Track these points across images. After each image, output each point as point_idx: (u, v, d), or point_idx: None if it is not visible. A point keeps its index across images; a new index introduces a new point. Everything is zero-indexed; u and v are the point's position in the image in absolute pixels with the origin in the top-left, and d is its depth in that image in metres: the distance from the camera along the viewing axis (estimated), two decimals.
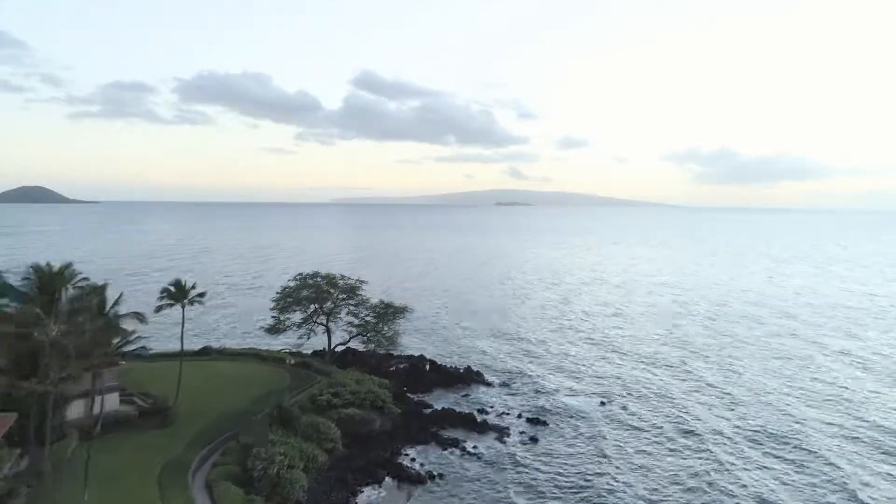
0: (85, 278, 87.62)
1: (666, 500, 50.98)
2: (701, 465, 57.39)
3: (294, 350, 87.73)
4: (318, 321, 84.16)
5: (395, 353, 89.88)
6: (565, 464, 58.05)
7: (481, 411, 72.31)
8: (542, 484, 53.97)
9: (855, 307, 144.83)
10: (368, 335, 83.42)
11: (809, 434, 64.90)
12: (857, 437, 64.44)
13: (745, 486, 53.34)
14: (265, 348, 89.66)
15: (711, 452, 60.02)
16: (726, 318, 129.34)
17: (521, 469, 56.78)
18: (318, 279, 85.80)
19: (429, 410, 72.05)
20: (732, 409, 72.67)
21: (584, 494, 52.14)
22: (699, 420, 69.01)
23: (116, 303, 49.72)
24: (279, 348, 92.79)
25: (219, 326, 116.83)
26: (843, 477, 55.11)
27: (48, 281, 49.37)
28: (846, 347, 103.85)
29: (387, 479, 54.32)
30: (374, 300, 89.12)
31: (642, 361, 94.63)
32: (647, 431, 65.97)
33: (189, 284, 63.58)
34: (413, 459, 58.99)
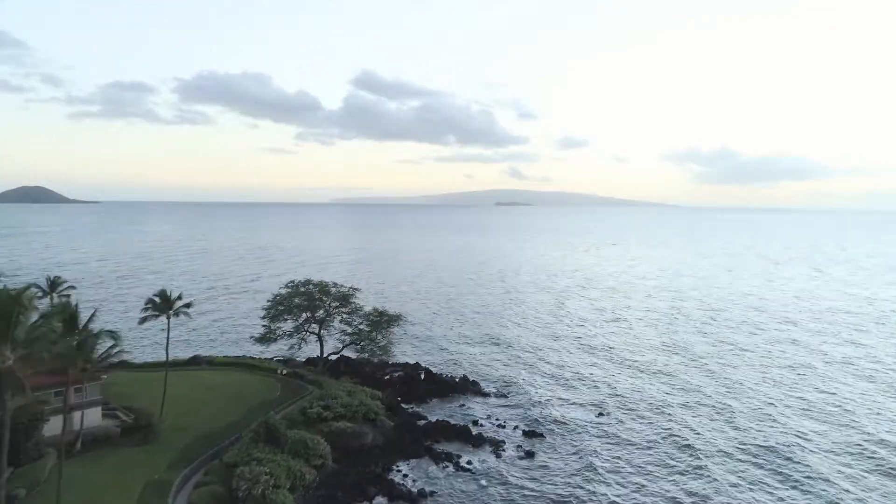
0: (72, 286, 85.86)
1: None
2: (700, 485, 55.63)
3: (286, 359, 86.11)
4: (310, 330, 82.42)
5: (390, 361, 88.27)
6: (561, 481, 56.32)
7: (476, 423, 70.71)
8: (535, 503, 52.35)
9: (855, 312, 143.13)
10: (362, 344, 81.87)
11: (811, 451, 63.10)
12: (861, 454, 62.65)
13: None
14: (258, 356, 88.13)
15: (709, 470, 58.25)
16: (726, 324, 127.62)
17: (515, 487, 55.04)
18: (311, 287, 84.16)
19: (423, 422, 70.45)
20: (731, 423, 70.92)
21: None
22: (698, 434, 67.27)
23: (90, 320, 47.83)
24: (272, 356, 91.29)
25: (210, 333, 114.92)
26: (845, 501, 53.37)
27: (2, 306, 46.46)
28: (847, 355, 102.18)
29: (377, 497, 52.66)
30: (368, 308, 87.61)
31: (640, 370, 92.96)
32: (644, 447, 64.24)
33: (175, 295, 62.10)
34: (405, 475, 57.35)
